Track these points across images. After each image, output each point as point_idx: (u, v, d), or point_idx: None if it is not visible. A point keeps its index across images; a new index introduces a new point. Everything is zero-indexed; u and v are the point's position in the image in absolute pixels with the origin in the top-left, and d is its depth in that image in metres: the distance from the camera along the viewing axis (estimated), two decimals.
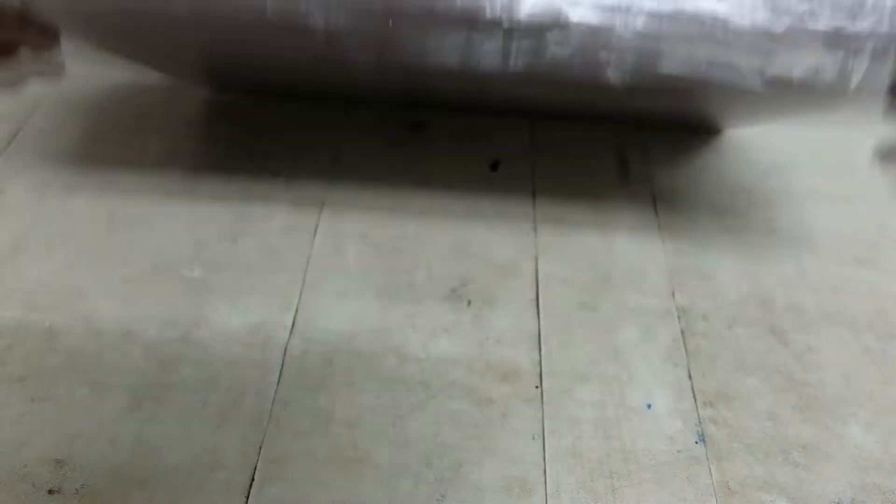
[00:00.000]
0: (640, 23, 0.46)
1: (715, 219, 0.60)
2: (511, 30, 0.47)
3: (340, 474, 0.44)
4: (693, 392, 0.49)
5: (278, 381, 0.48)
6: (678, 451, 0.46)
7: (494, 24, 0.47)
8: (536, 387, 0.48)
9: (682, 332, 0.52)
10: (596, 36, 0.47)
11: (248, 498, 0.43)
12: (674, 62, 0.47)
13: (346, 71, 0.53)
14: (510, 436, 0.46)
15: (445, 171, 0.63)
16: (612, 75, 0.48)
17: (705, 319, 0.53)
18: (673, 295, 0.54)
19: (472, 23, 0.47)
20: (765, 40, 0.46)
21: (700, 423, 0.47)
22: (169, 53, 0.56)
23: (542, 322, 0.52)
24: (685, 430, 0.47)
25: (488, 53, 0.49)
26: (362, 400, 0.47)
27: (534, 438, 0.46)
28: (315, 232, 0.58)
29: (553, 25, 0.47)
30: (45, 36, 0.52)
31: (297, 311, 0.52)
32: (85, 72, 0.71)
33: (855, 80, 0.46)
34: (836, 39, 0.45)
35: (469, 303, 0.53)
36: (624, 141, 0.67)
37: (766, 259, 0.57)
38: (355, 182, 0.61)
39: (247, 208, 0.59)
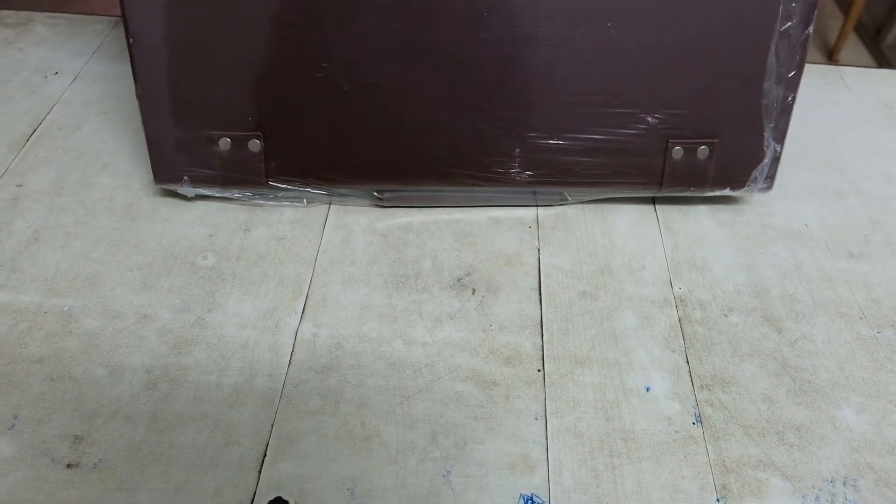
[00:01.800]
0: None
1: (712, 213, 0.62)
2: None
3: (349, 451, 0.45)
4: (690, 376, 0.50)
5: (289, 362, 0.50)
6: (676, 432, 0.47)
7: None
8: (539, 370, 0.50)
9: (680, 320, 0.54)
10: None
11: (260, 473, 0.44)
12: None
13: None
14: (513, 416, 0.47)
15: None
16: None
17: (702, 308, 0.54)
18: (671, 285, 0.56)
19: None
20: None
21: (697, 405, 0.48)
22: None
23: (544, 309, 0.54)
24: (682, 411, 0.48)
25: None
26: (370, 381, 0.49)
27: (536, 419, 0.47)
28: (324, 224, 0.59)
29: None
30: None
31: (307, 297, 0.54)
32: (102, 70, 0.73)
33: None
34: None
35: (473, 291, 0.55)
36: None
37: (761, 252, 0.59)
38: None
39: (258, 201, 0.61)
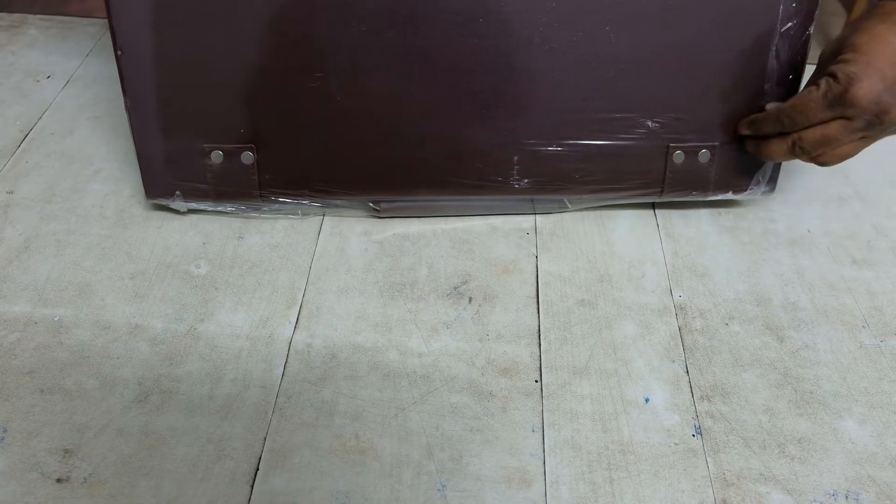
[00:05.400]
0: None
1: (713, 219, 0.61)
2: None
3: (343, 465, 0.45)
4: (690, 387, 0.49)
5: (283, 374, 0.49)
6: (675, 444, 0.46)
7: None
8: (536, 381, 0.49)
9: (680, 329, 0.53)
10: None
11: (252, 487, 0.43)
12: None
13: None
14: (510, 428, 0.47)
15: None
16: None
17: (702, 316, 0.54)
18: (671, 293, 0.55)
19: None
20: None
21: (697, 416, 0.48)
22: None
23: (541, 319, 0.53)
24: (682, 423, 0.47)
25: None
26: (365, 393, 0.48)
27: (533, 431, 0.47)
28: (319, 231, 0.59)
29: None
30: None
31: (301, 306, 0.53)
32: (95, 74, 0.73)
33: None
34: None
35: (470, 300, 0.54)
36: None
37: (762, 258, 0.58)
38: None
39: (252, 213, 0.60)
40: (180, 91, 0.54)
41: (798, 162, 0.66)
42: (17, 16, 0.80)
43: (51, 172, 0.62)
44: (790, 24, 0.53)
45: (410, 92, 0.54)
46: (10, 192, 0.60)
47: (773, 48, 0.54)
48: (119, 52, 0.52)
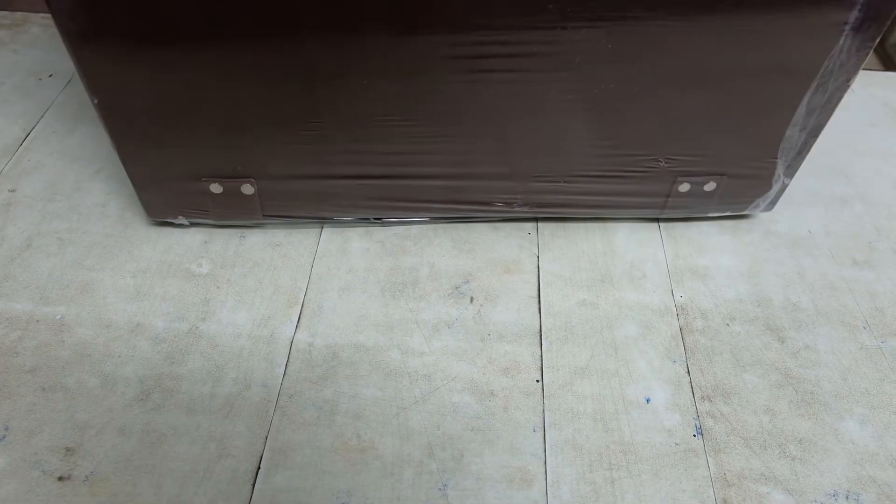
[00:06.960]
0: None
1: (714, 220, 0.61)
2: None
3: (345, 464, 0.45)
4: (691, 387, 0.49)
5: (284, 373, 0.49)
6: (676, 444, 0.46)
7: None
8: (537, 381, 0.49)
9: (681, 329, 0.53)
10: None
11: (254, 486, 0.43)
12: None
13: None
14: (511, 428, 0.47)
15: None
16: None
17: (704, 317, 0.54)
18: (672, 293, 0.55)
19: None
20: None
21: (698, 416, 0.48)
22: None
23: (543, 318, 0.53)
24: (683, 423, 0.47)
25: None
26: (366, 392, 0.48)
27: (534, 430, 0.47)
28: (321, 230, 0.59)
29: None
30: None
31: (302, 305, 0.53)
32: None
33: None
34: None
35: (472, 299, 0.54)
36: None
37: (764, 259, 0.58)
38: None
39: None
40: (168, 133, 0.51)
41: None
42: (19, 14, 0.80)
43: (53, 171, 0.62)
44: (831, 78, 0.50)
45: (413, 134, 0.52)
46: (13, 191, 0.61)
47: (807, 98, 0.51)
48: (96, 101, 0.49)
